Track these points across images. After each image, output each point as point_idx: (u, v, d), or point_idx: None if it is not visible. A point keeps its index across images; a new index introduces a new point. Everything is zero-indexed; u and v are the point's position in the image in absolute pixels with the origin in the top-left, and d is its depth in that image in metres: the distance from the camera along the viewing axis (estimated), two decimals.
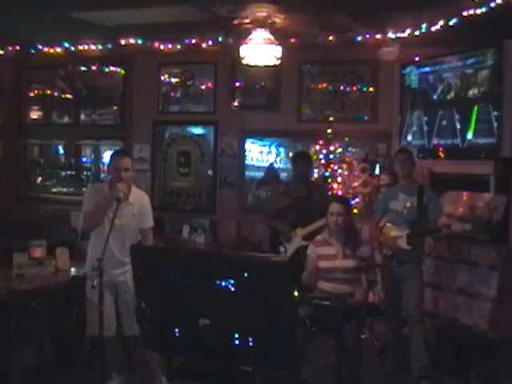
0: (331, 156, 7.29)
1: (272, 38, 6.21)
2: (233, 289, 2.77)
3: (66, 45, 7.97)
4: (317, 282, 5.04)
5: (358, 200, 7.05)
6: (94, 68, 9.10)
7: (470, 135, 6.25)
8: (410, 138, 7.11)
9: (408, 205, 5.50)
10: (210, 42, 7.39)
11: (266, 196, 8.12)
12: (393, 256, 5.48)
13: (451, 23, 5.97)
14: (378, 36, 6.81)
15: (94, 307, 4.53)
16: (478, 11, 5.56)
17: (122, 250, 4.66)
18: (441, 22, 6.07)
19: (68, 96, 9.49)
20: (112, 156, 4.93)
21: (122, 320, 4.80)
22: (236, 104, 8.37)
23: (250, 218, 8.08)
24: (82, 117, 9.50)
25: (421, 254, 5.62)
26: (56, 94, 9.59)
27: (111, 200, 4.57)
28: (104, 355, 4.46)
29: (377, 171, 7.25)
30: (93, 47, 7.97)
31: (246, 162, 8.43)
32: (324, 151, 7.31)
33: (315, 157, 7.34)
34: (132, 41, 7.58)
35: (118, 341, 4.96)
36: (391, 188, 6.05)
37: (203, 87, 8.56)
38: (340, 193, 7.07)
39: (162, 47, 7.78)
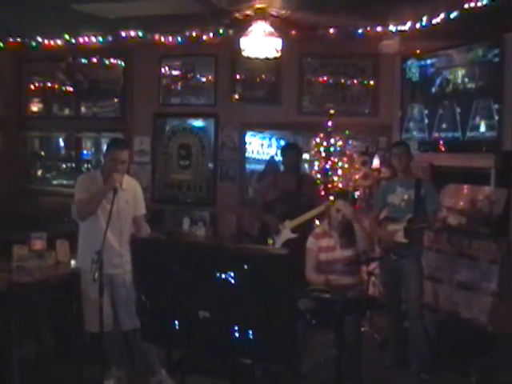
0: (332, 149, 7.28)
1: (272, 30, 6.18)
2: (233, 281, 2.76)
3: (67, 37, 7.93)
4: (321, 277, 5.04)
5: (358, 193, 7.05)
6: (94, 60, 9.10)
7: (470, 128, 6.24)
8: (415, 132, 7.10)
9: (405, 198, 5.48)
10: (211, 35, 7.36)
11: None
12: (390, 249, 5.47)
13: (452, 16, 5.95)
14: (379, 29, 6.77)
15: (90, 303, 4.53)
16: (479, 4, 5.54)
17: (121, 241, 4.66)
18: (442, 15, 6.04)
19: (68, 88, 9.47)
20: (110, 146, 4.84)
21: (118, 315, 4.77)
22: (236, 97, 8.35)
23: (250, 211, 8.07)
24: (83, 109, 9.49)
25: (419, 247, 5.60)
26: (56, 86, 9.57)
27: (107, 190, 4.56)
28: (103, 349, 4.45)
29: (375, 163, 7.22)
30: (93, 39, 7.92)
31: (247, 154, 8.43)
32: (325, 144, 7.31)
33: (317, 148, 7.33)
34: (132, 33, 7.54)
35: (117, 335, 4.95)
36: (389, 181, 6.04)
37: (204, 80, 8.55)
38: (340, 185, 7.06)
39: (162, 40, 7.74)
